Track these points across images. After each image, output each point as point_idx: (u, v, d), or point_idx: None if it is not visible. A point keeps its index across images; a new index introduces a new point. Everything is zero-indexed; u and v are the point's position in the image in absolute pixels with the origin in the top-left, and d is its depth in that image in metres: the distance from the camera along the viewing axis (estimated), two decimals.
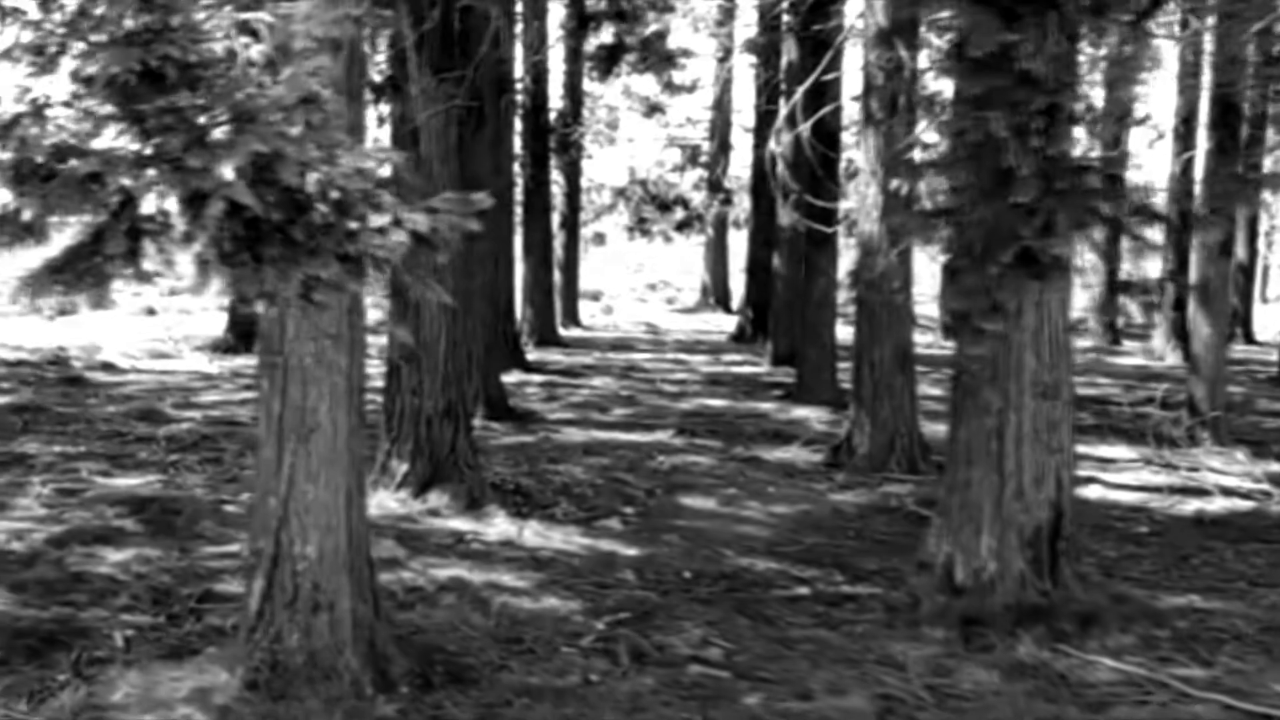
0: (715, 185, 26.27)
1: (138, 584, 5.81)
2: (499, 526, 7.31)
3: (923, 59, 8.88)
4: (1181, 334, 17.95)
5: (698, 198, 27.00)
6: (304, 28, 2.56)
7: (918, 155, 9.55)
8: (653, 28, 19.95)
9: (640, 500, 8.31)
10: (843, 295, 13.51)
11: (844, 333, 17.10)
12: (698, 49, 24.14)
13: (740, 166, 27.05)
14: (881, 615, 5.90)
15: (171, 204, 2.55)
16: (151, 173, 2.49)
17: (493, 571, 6.40)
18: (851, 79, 12.18)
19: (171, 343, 17.97)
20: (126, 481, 7.98)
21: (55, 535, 6.42)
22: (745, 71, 24.30)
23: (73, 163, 2.48)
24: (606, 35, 19.19)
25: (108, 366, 15.11)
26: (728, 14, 23.76)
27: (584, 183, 25.28)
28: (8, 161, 2.52)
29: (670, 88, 22.98)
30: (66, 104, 2.66)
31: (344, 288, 2.84)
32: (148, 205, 2.56)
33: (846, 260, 14.47)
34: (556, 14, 19.60)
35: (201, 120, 2.50)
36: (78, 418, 10.64)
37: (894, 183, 9.21)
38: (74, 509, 7.04)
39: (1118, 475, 9.32)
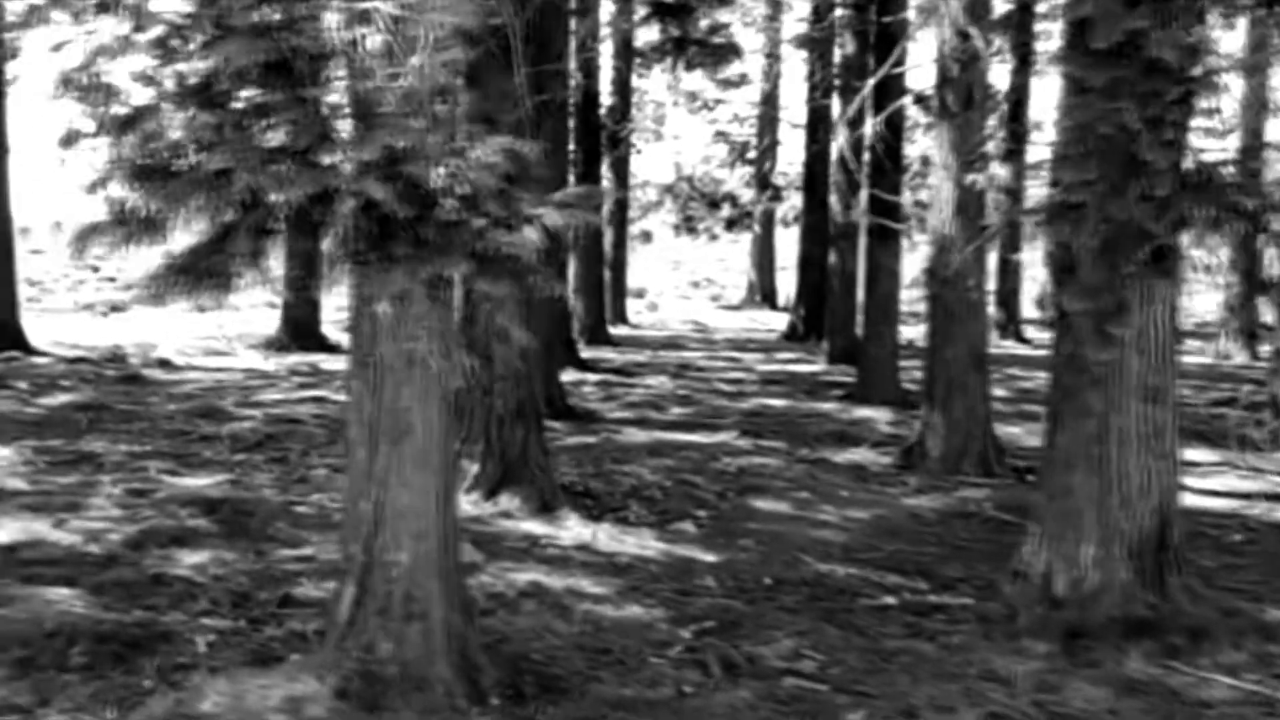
0: (764, 182, 26.06)
1: (216, 587, 5.72)
2: (572, 530, 7.17)
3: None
4: (1250, 332, 17.53)
5: (746, 194, 26.79)
6: (435, 18, 2.42)
7: (989, 148, 9.32)
8: (704, 22, 19.77)
9: (711, 503, 8.14)
10: (907, 293, 13.27)
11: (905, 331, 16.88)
12: (746, 44, 23.91)
13: (788, 163, 26.84)
14: (976, 627, 5.70)
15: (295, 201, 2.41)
16: (279, 169, 2.35)
17: (570, 577, 6.26)
18: (914, 73, 11.94)
19: (225, 340, 18.01)
20: (195, 481, 7.91)
21: (131, 536, 6.35)
22: (795, 67, 24.09)
23: (196, 159, 2.35)
24: (656, 31, 19.00)
25: (164, 364, 15.13)
26: (777, 7, 23.51)
27: (631, 179, 25.15)
28: (130, 157, 2.39)
29: (722, 83, 22.77)
30: (191, 97, 2.53)
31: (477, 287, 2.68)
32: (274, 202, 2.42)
33: (912, 257, 14.24)
34: (605, 8, 19.45)
35: (325, 113, 2.36)
36: (140, 416, 10.62)
37: (969, 177, 9.04)
38: (146, 509, 6.97)
39: (1203, 480, 9.03)
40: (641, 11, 14.52)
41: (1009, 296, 21.44)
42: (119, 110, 2.46)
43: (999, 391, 12.48)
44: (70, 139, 2.69)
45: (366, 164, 2.27)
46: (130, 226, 2.41)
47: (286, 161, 2.35)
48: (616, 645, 5.28)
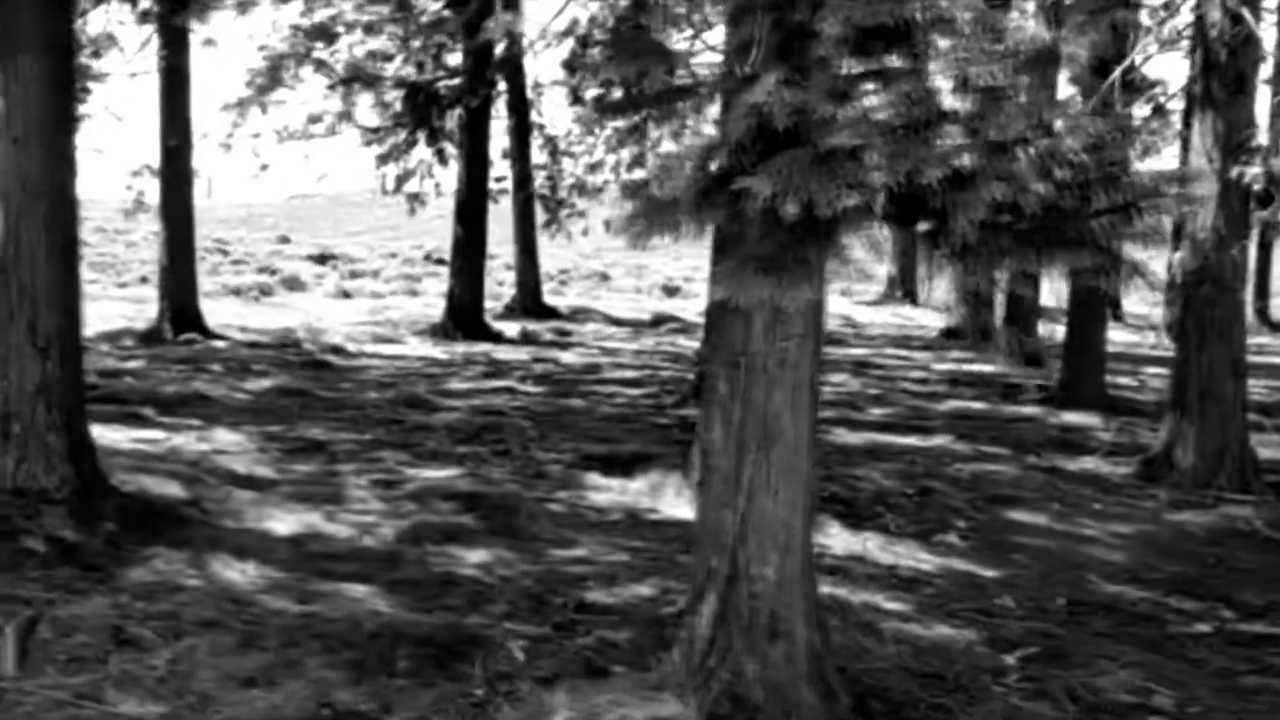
0: None
1: (508, 588, 5.50)
2: (838, 539, 6.82)
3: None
4: None
5: None
6: None
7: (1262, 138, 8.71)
8: None
9: (965, 513, 7.71)
10: (1132, 296, 12.59)
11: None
12: None
13: None
14: None
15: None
16: (904, 148, 2.04)
17: (861, 591, 5.91)
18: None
19: (391, 326, 18.10)
20: (432, 473, 7.76)
21: (404, 531, 6.18)
22: None
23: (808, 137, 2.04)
24: None
25: (338, 350, 15.21)
26: None
27: None
28: (735, 130, 2.11)
29: None
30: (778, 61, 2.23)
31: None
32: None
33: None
34: None
35: (935, 86, 2.04)
36: (345, 403, 10.58)
37: (1234, 170, 8.43)
38: (405, 502, 6.82)
39: None
40: None
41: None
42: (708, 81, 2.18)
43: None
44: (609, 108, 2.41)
45: (995, 145, 1.96)
46: (743, 210, 2.14)
47: (906, 140, 2.06)
48: (947, 670, 4.91)
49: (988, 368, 16.52)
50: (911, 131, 2.08)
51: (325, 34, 17.46)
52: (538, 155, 20.16)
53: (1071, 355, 12.96)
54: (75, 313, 5.89)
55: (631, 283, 35.91)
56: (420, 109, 15.95)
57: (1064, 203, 2.17)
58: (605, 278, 36.77)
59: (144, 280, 23.14)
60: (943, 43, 2.10)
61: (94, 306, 19.28)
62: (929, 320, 23.84)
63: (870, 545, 6.75)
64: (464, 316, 17.28)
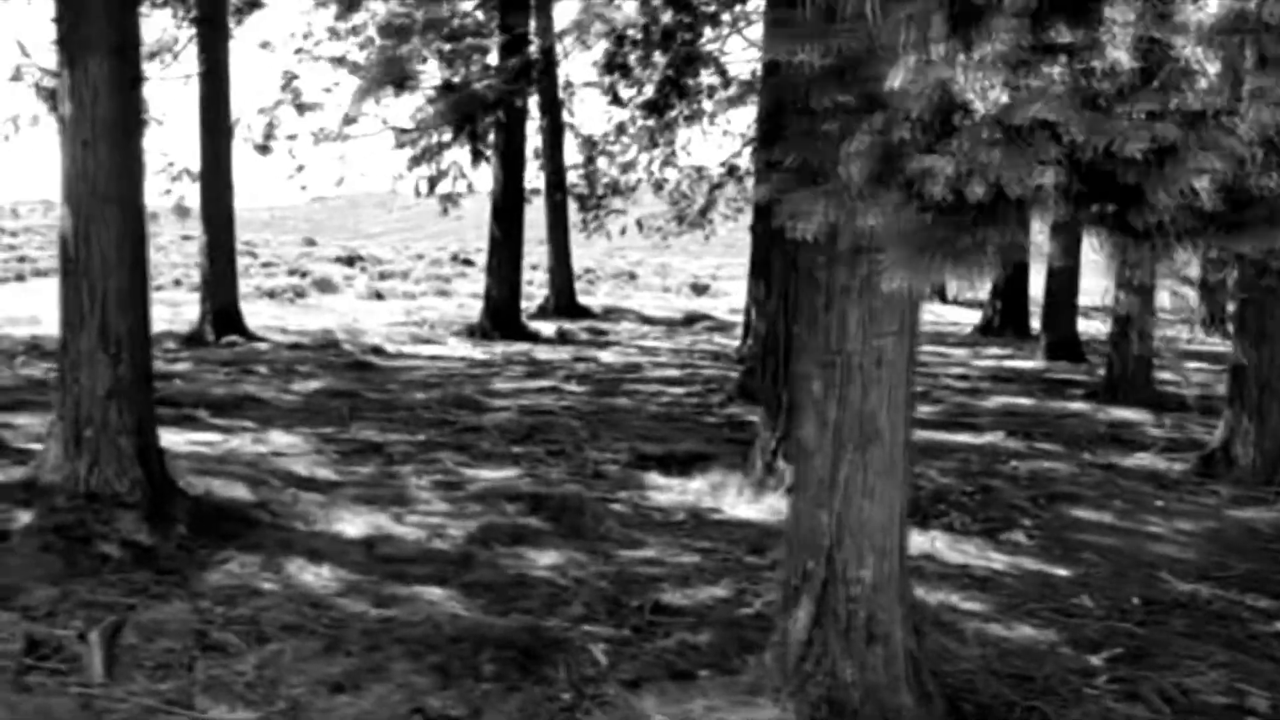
0: None
1: (582, 590, 5.46)
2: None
3: None
4: None
5: None
6: None
7: None
8: None
9: (1029, 511, 7.62)
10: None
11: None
12: None
13: None
14: None
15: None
16: (1111, 121, 1.96)
17: (937, 590, 5.84)
18: None
19: (427, 327, 18.11)
20: (490, 474, 7.73)
21: (472, 533, 6.15)
22: None
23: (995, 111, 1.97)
24: None
25: (378, 351, 15.21)
26: None
27: None
28: (914, 108, 2.04)
29: None
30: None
31: None
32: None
33: None
34: None
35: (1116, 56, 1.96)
36: (392, 404, 10.56)
37: None
38: (470, 504, 6.78)
39: None
40: None
41: None
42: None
43: None
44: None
45: (1194, 114, 1.90)
46: (920, 192, 2.08)
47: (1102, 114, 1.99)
48: (1034, 672, 4.84)
49: (1028, 363, 16.41)
50: (1096, 106, 2.02)
51: (402, 31, 17.35)
52: (571, 155, 20.15)
53: (1119, 351, 12.84)
54: (144, 316, 5.88)
55: (659, 281, 35.87)
56: (464, 109, 15.94)
57: (1257, 180, 2.10)
58: (633, 276, 36.75)
59: (177, 283, 23.24)
60: (1122, 13, 2.03)
61: None
62: (958, 316, 23.68)
63: (939, 544, 6.67)
64: (501, 317, 17.26)
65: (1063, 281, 17.51)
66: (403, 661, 4.46)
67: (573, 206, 20.01)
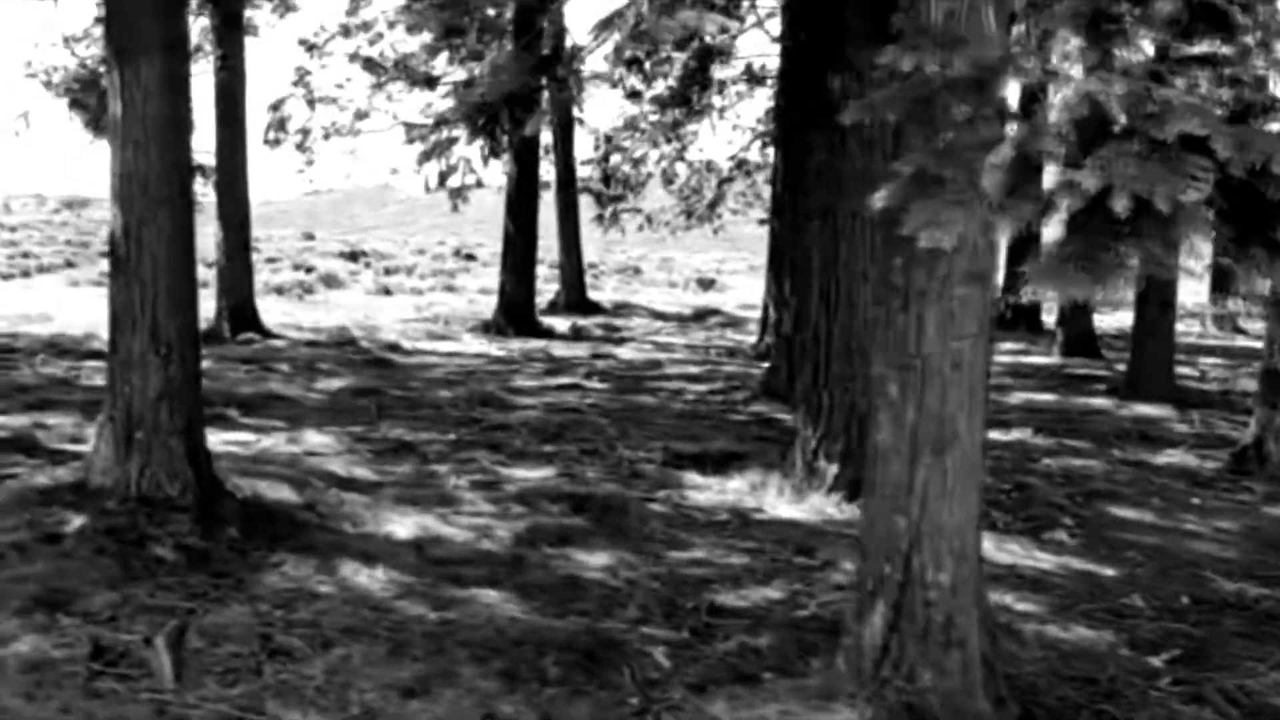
0: None
1: (635, 591, 5.44)
2: None
3: None
4: None
5: None
6: None
7: None
8: None
9: (1069, 510, 7.61)
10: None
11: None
12: None
13: None
14: None
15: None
16: (1248, 135, 1.94)
17: (991, 591, 5.80)
18: None
19: (441, 323, 18.07)
20: (527, 473, 7.70)
21: (519, 534, 6.12)
22: None
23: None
24: None
25: (394, 348, 15.18)
26: None
27: None
28: (1071, 120, 2.02)
29: None
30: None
31: None
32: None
33: None
34: None
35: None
36: (417, 402, 10.54)
37: None
38: (509, 503, 6.76)
39: None
40: None
41: None
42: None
43: None
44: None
45: None
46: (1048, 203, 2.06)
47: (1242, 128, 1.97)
48: (1097, 674, 4.83)
49: (1045, 359, 16.40)
50: (1244, 120, 2.00)
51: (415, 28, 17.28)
52: (584, 150, 20.10)
53: (1139, 346, 12.84)
54: (194, 316, 5.85)
55: (664, 276, 35.86)
56: (488, 105, 15.87)
57: None
58: (638, 271, 36.74)
59: None
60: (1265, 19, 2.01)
61: None
62: None
63: (985, 544, 6.63)
64: (516, 313, 17.24)
65: None
66: (468, 665, 4.44)
67: (584, 201, 19.96)
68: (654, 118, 18.70)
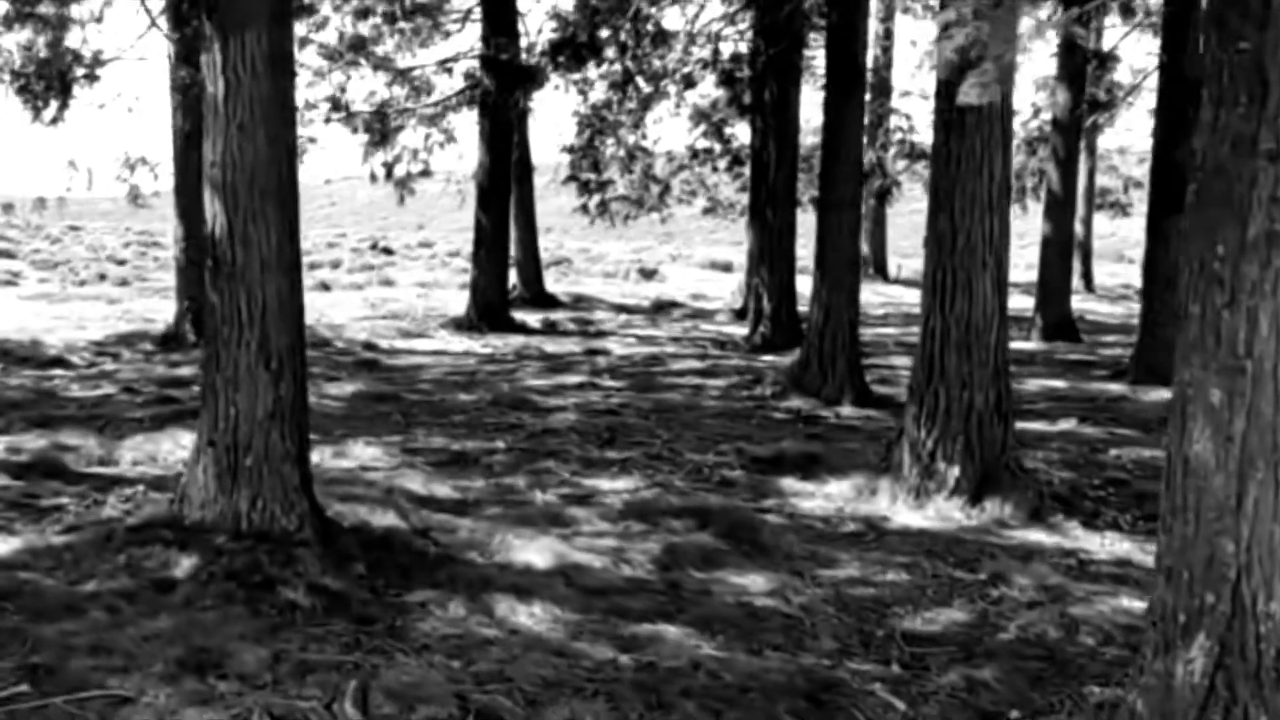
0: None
1: (815, 620, 4.93)
2: (1083, 542, 6.36)
3: None
4: None
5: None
6: None
7: None
8: None
9: None
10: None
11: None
12: None
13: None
14: None
15: None
16: None
17: None
18: None
19: (409, 320, 17.25)
20: (610, 484, 7.13)
21: (656, 556, 5.56)
22: None
23: None
24: None
25: (371, 347, 14.40)
26: None
27: None
28: None
29: None
30: None
31: None
32: None
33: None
34: None
35: None
36: (439, 407, 9.85)
37: None
38: (621, 520, 6.18)
39: None
40: None
41: None
42: None
43: None
44: None
45: None
46: None
47: None
48: None
49: (1028, 345, 16.30)
50: None
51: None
52: (550, 138, 19.36)
53: (1150, 331, 12.72)
54: (302, 327, 5.16)
55: (596, 267, 35.22)
56: (487, 92, 15.19)
57: None
58: (568, 262, 36.05)
59: (124, 283, 21.84)
60: None
61: (64, 308, 18.09)
62: (911, 297, 23.64)
63: (1124, 546, 6.30)
64: (489, 309, 16.52)
65: (1055, 262, 17.49)
66: (704, 717, 3.89)
67: (553, 189, 19.28)
68: (619, 106, 18.09)
